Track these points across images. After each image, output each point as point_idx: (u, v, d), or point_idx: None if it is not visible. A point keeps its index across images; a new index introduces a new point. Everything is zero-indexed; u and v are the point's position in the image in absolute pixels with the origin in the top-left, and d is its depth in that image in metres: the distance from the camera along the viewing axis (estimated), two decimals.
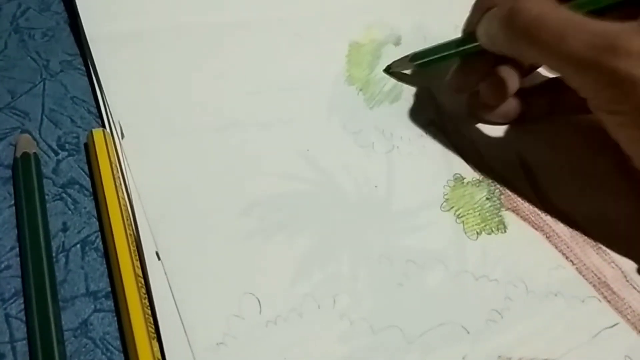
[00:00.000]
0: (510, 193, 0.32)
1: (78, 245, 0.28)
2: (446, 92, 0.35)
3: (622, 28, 0.26)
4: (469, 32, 0.33)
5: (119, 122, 0.32)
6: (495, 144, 0.34)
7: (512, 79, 0.33)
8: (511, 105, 0.34)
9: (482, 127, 0.35)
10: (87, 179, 0.31)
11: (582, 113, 0.31)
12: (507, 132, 0.35)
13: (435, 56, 0.35)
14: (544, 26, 0.28)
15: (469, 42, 0.33)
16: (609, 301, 0.29)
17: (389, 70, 0.37)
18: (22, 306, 0.26)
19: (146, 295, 0.26)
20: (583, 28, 0.27)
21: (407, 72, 0.37)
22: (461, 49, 0.34)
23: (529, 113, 0.34)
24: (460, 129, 0.35)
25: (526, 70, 0.34)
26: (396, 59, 0.37)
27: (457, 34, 0.40)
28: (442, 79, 0.35)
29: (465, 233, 0.30)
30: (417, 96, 0.36)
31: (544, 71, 0.36)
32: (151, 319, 0.25)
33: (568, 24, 0.27)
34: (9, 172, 0.30)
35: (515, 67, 0.33)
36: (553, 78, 0.35)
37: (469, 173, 0.33)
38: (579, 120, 0.35)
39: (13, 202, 0.29)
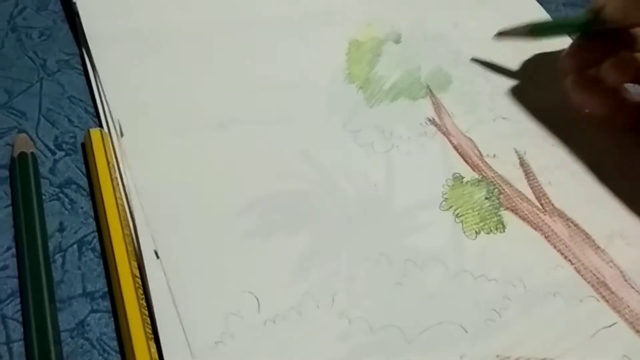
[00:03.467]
0: (509, 193, 0.32)
1: (75, 246, 0.28)
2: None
3: None
4: (595, 10, 0.33)
5: (117, 121, 0.32)
6: (494, 144, 0.34)
7: (633, 63, 0.32)
8: (610, 100, 0.33)
9: (481, 126, 0.35)
10: (84, 178, 0.30)
11: None
12: (507, 132, 0.35)
13: (554, 31, 0.36)
14: None
15: (593, 21, 0.33)
16: (607, 301, 0.29)
17: (500, 33, 0.37)
18: (19, 307, 0.26)
19: (143, 296, 0.26)
20: None
21: (518, 39, 0.37)
22: (584, 26, 0.34)
23: (620, 119, 0.34)
24: (459, 128, 0.35)
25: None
26: (512, 26, 0.37)
27: (457, 31, 0.40)
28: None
29: (464, 232, 0.30)
30: (415, 95, 0.36)
31: None
32: (148, 319, 0.25)
33: None
34: (5, 172, 0.30)
35: (635, 56, 0.32)
36: None
37: (468, 172, 0.33)
38: (580, 121, 0.35)
39: (10, 202, 0.29)
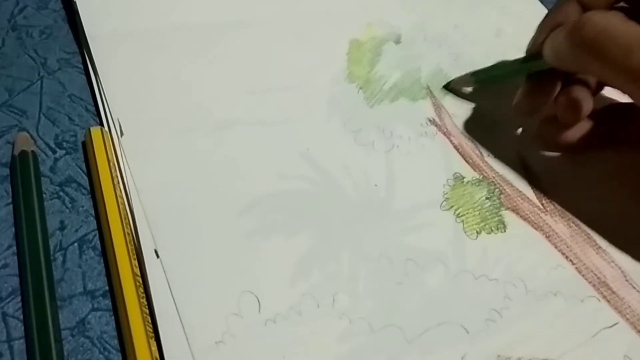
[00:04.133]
0: (510, 192, 0.32)
1: (75, 244, 0.28)
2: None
3: None
4: (534, 51, 0.32)
5: (117, 119, 0.32)
6: (495, 144, 0.34)
7: (586, 98, 0.32)
8: (581, 129, 0.33)
9: (482, 126, 0.35)
10: (85, 177, 0.30)
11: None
12: (508, 132, 0.35)
13: (499, 76, 0.35)
14: (611, 40, 0.27)
15: (535, 62, 0.32)
16: (608, 301, 0.29)
17: (448, 86, 0.37)
18: (20, 305, 0.26)
19: (144, 294, 0.26)
20: None
21: (468, 89, 0.37)
22: (526, 67, 0.33)
23: (593, 139, 0.33)
24: (460, 128, 0.35)
25: (593, 92, 0.33)
26: (457, 76, 0.36)
27: (457, 32, 0.40)
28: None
29: (465, 232, 0.30)
30: (415, 95, 0.36)
31: (609, 94, 0.36)
32: (149, 317, 0.25)
33: (636, 38, 0.26)
34: (6, 170, 0.30)
35: (585, 87, 0.32)
36: (619, 104, 0.34)
37: (469, 172, 0.33)
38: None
39: (10, 200, 0.29)
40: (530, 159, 0.34)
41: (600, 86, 0.34)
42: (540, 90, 0.33)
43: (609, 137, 0.34)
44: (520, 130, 0.35)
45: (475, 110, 0.36)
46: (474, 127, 0.35)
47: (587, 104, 0.32)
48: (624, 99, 0.33)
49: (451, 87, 0.37)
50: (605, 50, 0.27)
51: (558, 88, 0.33)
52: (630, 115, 0.32)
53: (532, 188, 0.32)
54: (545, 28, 0.32)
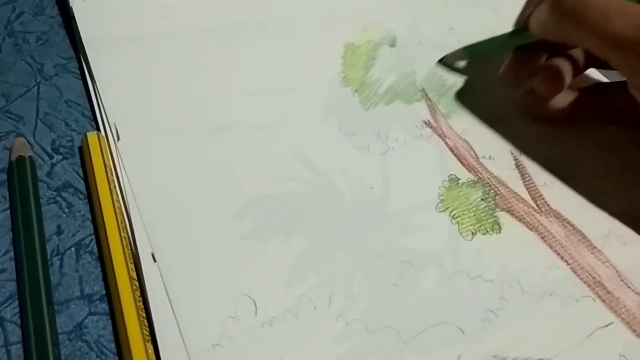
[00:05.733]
0: (505, 194, 0.32)
1: (72, 249, 0.28)
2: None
3: None
4: (521, 25, 0.34)
5: (114, 124, 0.32)
6: (490, 145, 0.34)
7: (566, 70, 0.34)
8: (563, 101, 0.35)
9: (476, 128, 0.35)
10: (82, 182, 0.31)
11: (626, 119, 0.33)
12: (502, 133, 0.35)
13: (489, 49, 0.36)
14: (590, 7, 0.29)
15: (522, 35, 0.34)
16: (603, 301, 0.29)
17: (442, 61, 0.38)
18: (17, 309, 0.26)
19: (141, 298, 0.26)
20: (626, 10, 0.28)
21: (461, 64, 0.38)
22: (514, 40, 0.35)
23: (578, 113, 0.35)
24: (455, 130, 0.35)
25: (577, 69, 0.35)
26: (451, 51, 0.38)
27: (452, 36, 0.40)
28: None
29: (461, 233, 0.30)
30: (410, 98, 0.36)
31: (592, 75, 0.37)
32: (146, 321, 0.25)
33: (612, 6, 0.28)
34: (3, 176, 0.30)
35: (568, 61, 0.34)
36: (607, 83, 0.36)
37: (464, 174, 0.33)
38: (575, 121, 0.35)
39: (8, 205, 0.29)
40: (525, 160, 0.34)
41: (587, 64, 0.35)
42: (525, 62, 0.35)
43: (592, 111, 0.35)
44: (515, 128, 0.36)
45: (471, 110, 0.36)
46: (470, 128, 0.35)
47: (567, 76, 0.34)
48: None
49: (445, 62, 0.38)
50: (584, 17, 0.29)
51: (543, 61, 0.34)
52: (614, 93, 0.34)
53: (527, 189, 0.33)
54: (532, 3, 0.34)
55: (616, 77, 0.32)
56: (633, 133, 0.35)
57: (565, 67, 0.34)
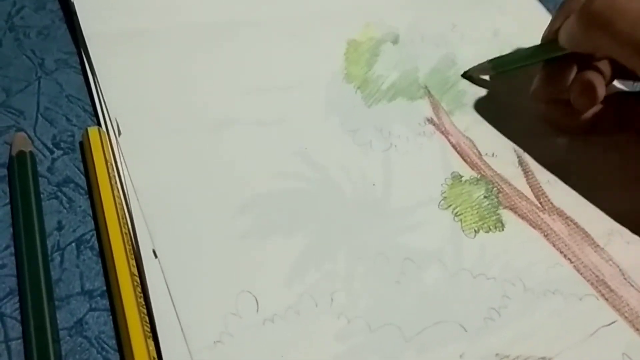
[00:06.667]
0: (508, 191, 0.32)
1: (73, 244, 0.28)
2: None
3: None
4: (551, 39, 0.34)
5: (115, 119, 0.32)
6: (492, 142, 0.34)
7: (598, 82, 0.33)
8: (590, 114, 0.34)
9: (479, 125, 0.35)
10: (82, 177, 0.30)
11: None
12: (505, 131, 0.35)
13: (516, 63, 0.36)
14: (618, 14, 0.29)
15: (550, 49, 0.34)
16: (606, 299, 0.29)
17: (466, 74, 0.38)
18: (17, 305, 0.26)
19: (142, 294, 0.26)
20: None
21: (486, 77, 0.38)
22: (542, 53, 0.34)
23: (604, 124, 0.34)
24: (458, 127, 0.35)
25: (607, 81, 0.34)
26: (475, 64, 0.37)
27: (455, 32, 0.40)
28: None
29: (463, 231, 0.30)
30: (413, 95, 0.36)
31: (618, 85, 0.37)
32: (146, 317, 0.25)
33: None
34: (4, 171, 0.30)
35: (599, 74, 0.33)
36: (628, 92, 0.36)
37: (467, 171, 0.33)
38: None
39: (8, 200, 0.29)
40: (527, 157, 0.34)
41: (613, 76, 0.35)
42: (557, 76, 0.34)
43: (614, 121, 0.34)
44: (518, 125, 0.35)
45: (474, 107, 0.36)
46: (472, 126, 0.35)
47: (600, 90, 0.33)
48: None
49: (469, 75, 0.37)
50: (613, 24, 0.29)
51: (573, 74, 0.34)
52: (636, 102, 0.33)
53: (530, 187, 0.33)
54: (561, 16, 0.33)
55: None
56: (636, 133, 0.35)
57: (598, 80, 0.33)
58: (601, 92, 0.33)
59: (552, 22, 0.34)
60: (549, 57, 0.34)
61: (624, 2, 0.29)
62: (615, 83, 0.37)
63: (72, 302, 0.26)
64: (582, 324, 0.28)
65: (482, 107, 0.36)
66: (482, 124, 0.35)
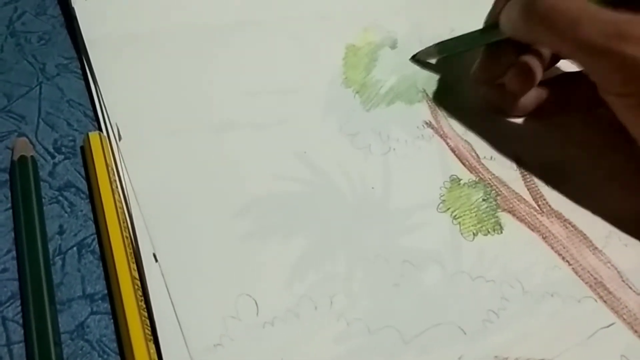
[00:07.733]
0: (506, 194, 0.32)
1: (74, 248, 0.28)
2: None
3: (631, 17, 0.28)
4: (492, 23, 0.34)
5: (116, 124, 0.32)
6: (491, 145, 0.34)
7: (536, 66, 0.34)
8: (530, 97, 0.35)
9: (478, 127, 0.35)
10: (84, 182, 0.31)
11: (594, 107, 0.33)
12: (504, 133, 0.35)
13: (460, 47, 0.37)
14: (560, 13, 0.29)
15: (492, 32, 0.34)
16: (605, 301, 0.29)
17: (414, 58, 0.38)
18: (19, 309, 0.26)
19: (142, 298, 0.26)
20: (596, 16, 0.28)
21: (432, 61, 0.38)
22: (485, 37, 0.35)
23: (545, 106, 0.35)
24: (456, 131, 0.35)
25: (546, 65, 0.35)
26: (423, 48, 0.38)
27: (453, 36, 0.40)
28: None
29: (462, 234, 0.31)
30: (412, 99, 0.36)
31: (561, 66, 0.37)
32: (147, 321, 0.25)
33: (582, 12, 0.29)
34: (5, 176, 0.30)
35: (538, 58, 0.34)
36: (568, 73, 0.36)
37: (466, 174, 0.33)
38: (575, 121, 0.35)
39: (10, 205, 0.29)
40: (526, 160, 0.34)
41: (554, 60, 0.36)
42: (497, 59, 0.35)
43: (557, 103, 0.35)
44: (517, 130, 0.36)
45: (472, 110, 0.36)
46: (471, 128, 0.35)
47: (538, 73, 0.34)
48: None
49: (417, 58, 0.38)
50: (555, 23, 0.29)
51: (513, 58, 0.34)
52: (577, 81, 0.34)
53: (528, 190, 0.33)
54: (501, 0, 0.34)
55: None
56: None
57: (536, 64, 0.34)
58: (538, 75, 0.34)
59: (493, 6, 0.35)
60: (490, 41, 0.35)
61: (564, 2, 0.29)
62: (565, 62, 0.37)
63: (74, 306, 0.26)
64: (581, 326, 0.28)
65: (479, 111, 0.36)
66: (480, 128, 0.35)
